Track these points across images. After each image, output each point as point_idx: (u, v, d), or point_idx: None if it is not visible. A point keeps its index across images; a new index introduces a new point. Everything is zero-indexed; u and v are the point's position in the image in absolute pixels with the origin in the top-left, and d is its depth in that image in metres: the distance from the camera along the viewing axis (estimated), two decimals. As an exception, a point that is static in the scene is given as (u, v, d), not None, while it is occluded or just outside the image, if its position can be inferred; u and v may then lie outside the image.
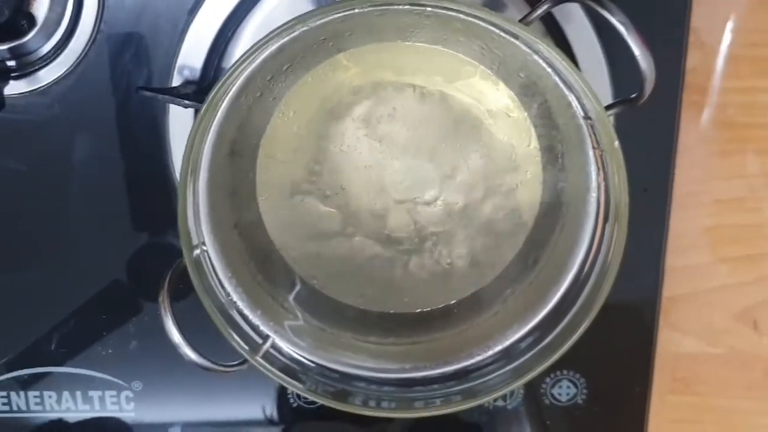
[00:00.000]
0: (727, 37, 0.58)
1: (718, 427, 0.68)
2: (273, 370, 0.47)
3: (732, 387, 0.67)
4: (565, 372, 0.62)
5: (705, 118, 0.60)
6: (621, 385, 0.63)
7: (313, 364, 0.50)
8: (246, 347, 0.47)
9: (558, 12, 0.52)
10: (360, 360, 0.51)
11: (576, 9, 0.52)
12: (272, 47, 0.41)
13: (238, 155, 0.51)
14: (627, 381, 0.63)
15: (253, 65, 0.43)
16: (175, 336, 0.47)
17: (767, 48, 0.58)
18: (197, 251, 0.47)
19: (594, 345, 0.61)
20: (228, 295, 0.49)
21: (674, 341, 0.65)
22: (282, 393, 0.63)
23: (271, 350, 0.49)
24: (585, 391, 0.63)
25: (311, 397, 0.48)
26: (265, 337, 0.49)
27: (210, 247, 0.48)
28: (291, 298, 0.54)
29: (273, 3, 0.52)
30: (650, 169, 0.58)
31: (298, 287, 0.55)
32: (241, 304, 0.49)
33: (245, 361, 0.47)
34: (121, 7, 0.54)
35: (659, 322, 0.62)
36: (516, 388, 0.62)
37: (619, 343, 0.62)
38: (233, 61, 0.53)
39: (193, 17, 0.54)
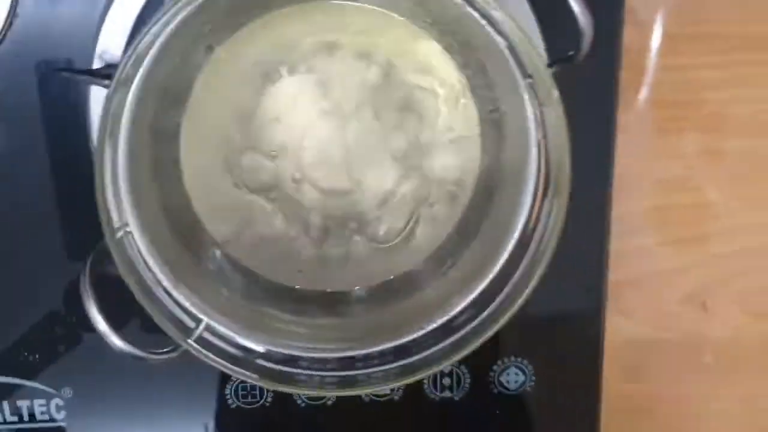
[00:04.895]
0: (663, 15, 0.58)
1: (669, 413, 0.68)
2: (208, 354, 0.46)
3: (683, 372, 0.66)
4: (512, 359, 0.61)
5: (642, 97, 0.60)
6: (571, 371, 0.62)
7: (250, 349, 0.48)
8: (177, 332, 0.45)
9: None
10: (299, 341, 0.49)
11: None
12: (194, 3, 0.40)
13: (160, 132, 0.50)
14: (577, 367, 0.62)
15: (171, 26, 0.41)
16: (101, 324, 0.45)
17: (704, 25, 0.59)
18: (120, 233, 0.45)
19: (541, 331, 0.60)
20: (155, 277, 0.47)
21: (623, 326, 0.65)
22: (221, 394, 0.61)
23: (208, 336, 0.47)
24: (534, 378, 0.62)
25: (251, 382, 0.47)
26: (198, 321, 0.47)
27: (134, 229, 0.46)
28: (224, 279, 0.52)
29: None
30: (589, 152, 0.57)
31: (231, 269, 0.53)
32: (169, 287, 0.47)
33: (177, 347, 0.46)
34: (38, -10, 0.53)
35: (607, 307, 0.61)
36: (458, 368, 0.61)
37: (567, 329, 0.61)
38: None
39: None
